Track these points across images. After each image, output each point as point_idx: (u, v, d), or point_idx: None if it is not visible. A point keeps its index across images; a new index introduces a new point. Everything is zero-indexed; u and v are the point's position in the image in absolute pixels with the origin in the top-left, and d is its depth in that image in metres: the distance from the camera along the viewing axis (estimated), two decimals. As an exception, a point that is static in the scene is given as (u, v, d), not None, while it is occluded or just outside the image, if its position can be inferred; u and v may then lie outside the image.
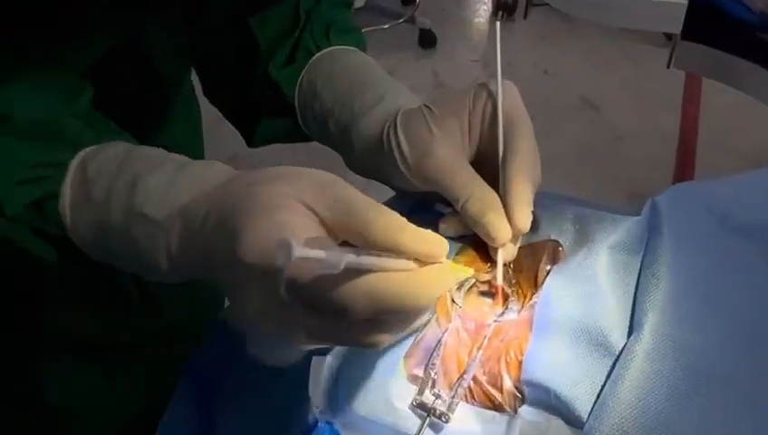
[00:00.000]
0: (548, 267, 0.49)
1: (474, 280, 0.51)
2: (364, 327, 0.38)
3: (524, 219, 0.48)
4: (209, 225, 0.40)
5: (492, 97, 0.51)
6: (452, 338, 0.49)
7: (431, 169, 0.51)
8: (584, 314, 0.45)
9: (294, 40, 0.65)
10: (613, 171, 2.09)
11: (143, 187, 0.43)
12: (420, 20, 2.52)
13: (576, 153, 2.16)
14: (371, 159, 0.55)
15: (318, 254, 0.33)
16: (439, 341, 0.49)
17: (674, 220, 0.47)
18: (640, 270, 0.47)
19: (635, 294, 0.46)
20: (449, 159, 0.51)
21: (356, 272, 0.35)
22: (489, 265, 0.52)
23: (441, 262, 0.39)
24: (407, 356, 0.48)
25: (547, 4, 2.58)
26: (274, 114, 0.67)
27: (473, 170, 0.51)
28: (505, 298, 0.50)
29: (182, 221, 0.42)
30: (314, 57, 0.64)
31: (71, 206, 0.45)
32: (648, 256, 0.47)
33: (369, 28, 2.40)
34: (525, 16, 2.68)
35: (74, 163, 0.46)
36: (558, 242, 0.50)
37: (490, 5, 2.75)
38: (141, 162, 0.45)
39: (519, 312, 0.48)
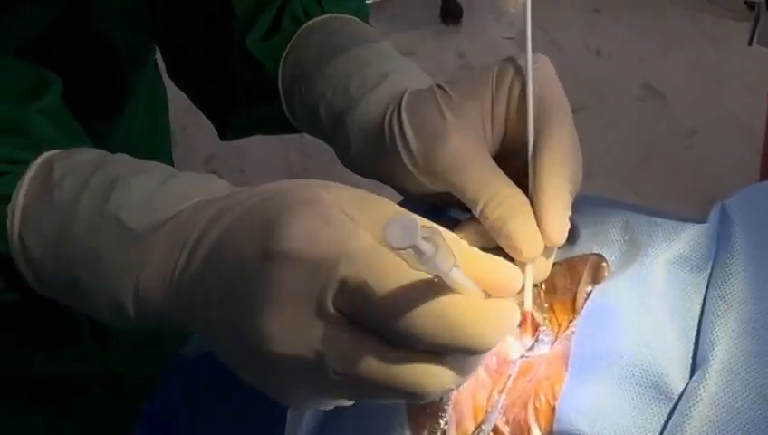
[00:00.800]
0: (588, 288, 0.48)
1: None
2: (425, 362, 0.36)
3: (559, 227, 0.47)
4: (215, 232, 0.40)
5: (520, 75, 0.51)
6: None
7: (442, 163, 0.50)
8: (634, 348, 0.44)
9: (278, 5, 0.64)
10: (683, 174, 2.07)
11: (124, 186, 0.43)
12: (442, -11, 2.53)
13: (637, 151, 2.15)
14: (370, 153, 0.55)
15: (430, 248, 0.31)
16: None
17: (749, 230, 0.46)
18: (706, 292, 0.45)
19: (699, 322, 0.44)
20: (465, 152, 0.50)
21: (432, 289, 0.35)
22: (516, 286, 0.51)
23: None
24: None
25: None
26: (253, 98, 0.67)
27: (495, 166, 0.50)
28: (535, 328, 0.49)
29: (171, 233, 0.41)
30: (303, 27, 0.63)
31: (23, 208, 0.45)
32: (716, 274, 0.45)
33: (380, -1, 2.41)
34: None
35: (37, 163, 0.46)
36: (602, 256, 0.49)
37: (529, -30, 2.73)
38: (124, 166, 0.46)
39: (552, 345, 0.47)
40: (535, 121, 0.50)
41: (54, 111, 0.52)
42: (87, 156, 0.47)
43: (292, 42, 0.63)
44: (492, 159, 0.50)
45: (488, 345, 0.35)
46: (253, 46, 0.64)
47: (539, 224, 0.47)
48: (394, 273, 0.35)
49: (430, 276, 0.34)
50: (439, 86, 0.52)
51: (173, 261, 0.41)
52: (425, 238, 0.31)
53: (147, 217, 0.43)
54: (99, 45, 0.64)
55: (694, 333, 0.44)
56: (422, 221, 0.31)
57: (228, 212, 0.40)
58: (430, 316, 0.34)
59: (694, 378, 0.42)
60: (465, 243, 0.39)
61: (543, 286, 0.50)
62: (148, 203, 0.43)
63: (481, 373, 0.48)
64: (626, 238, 0.49)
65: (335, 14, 0.64)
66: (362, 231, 0.37)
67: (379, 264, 0.35)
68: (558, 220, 0.47)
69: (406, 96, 0.52)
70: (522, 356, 0.48)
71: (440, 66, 2.30)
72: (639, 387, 0.43)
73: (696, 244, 0.47)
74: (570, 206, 0.48)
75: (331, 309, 0.36)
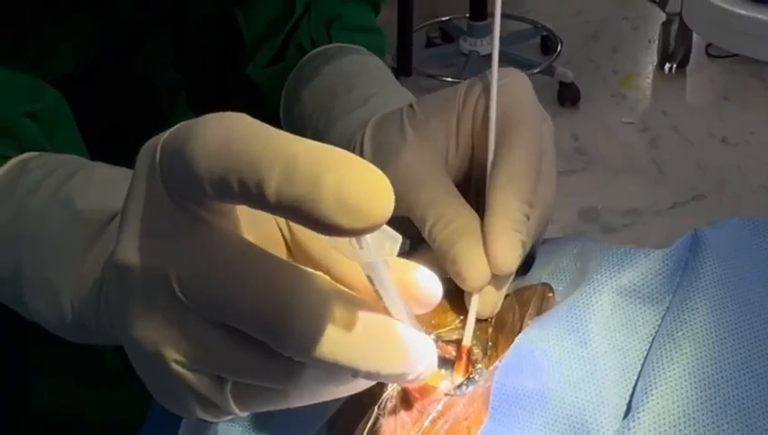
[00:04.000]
0: (531, 321, 0.41)
1: (435, 338, 0.44)
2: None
3: (504, 252, 0.40)
4: None
5: (488, 92, 0.46)
6: (387, 416, 0.42)
7: (392, 179, 0.46)
8: (562, 389, 0.37)
9: (285, 34, 0.63)
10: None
11: (86, 173, 0.42)
12: (561, 71, 2.47)
13: None
14: None
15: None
16: (368, 418, 0.42)
17: (723, 261, 0.38)
18: (659, 327, 0.38)
19: (644, 361, 0.37)
20: (417, 170, 0.45)
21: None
22: (461, 318, 0.44)
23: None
24: (331, 426, 0.42)
25: (731, 55, 2.51)
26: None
27: (450, 185, 0.45)
28: (471, 365, 0.42)
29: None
30: (306, 56, 0.61)
31: None
32: (672, 307, 0.38)
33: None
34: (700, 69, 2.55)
35: (15, 159, 0.45)
36: (548, 286, 0.42)
37: (654, 56, 2.63)
38: (99, 168, 0.44)
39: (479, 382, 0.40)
40: (496, 139, 0.44)
41: (48, 119, 0.51)
42: (67, 156, 0.46)
43: (294, 70, 0.60)
44: (447, 179, 0.45)
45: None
46: (255, 73, 0.62)
47: (486, 249, 0.41)
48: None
49: None
50: (411, 106, 0.47)
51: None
52: None
53: (99, 204, 0.40)
54: (139, 84, 0.64)
55: (635, 375, 0.37)
56: None
57: None
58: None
59: (618, 427, 0.34)
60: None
61: (493, 322, 0.44)
62: (106, 190, 0.41)
63: (402, 414, 0.42)
64: (577, 266, 0.42)
65: (341, 44, 0.62)
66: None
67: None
68: (504, 245, 0.40)
69: (375, 117, 0.49)
70: (447, 394, 0.41)
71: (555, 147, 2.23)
72: (566, 431, 0.36)
73: (652, 272, 0.39)
74: (523, 229, 0.41)
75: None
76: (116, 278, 0.32)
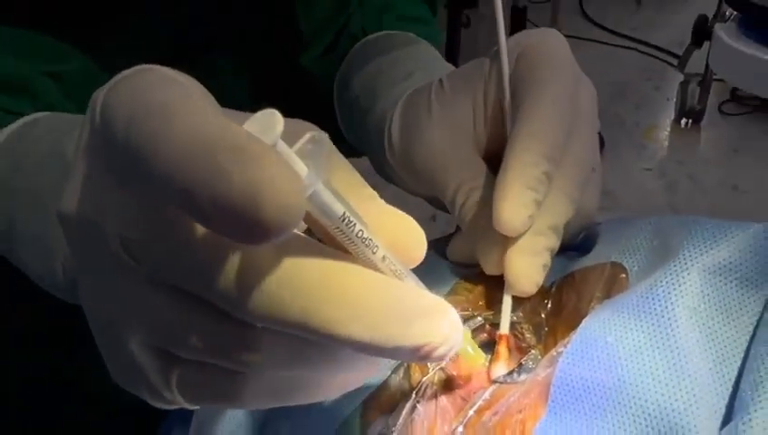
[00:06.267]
0: (599, 306, 0.31)
1: (480, 321, 0.34)
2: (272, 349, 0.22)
3: (511, 210, 0.32)
4: None
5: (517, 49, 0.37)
6: (426, 402, 0.32)
7: (418, 159, 0.38)
8: (641, 382, 0.27)
9: (340, 26, 0.55)
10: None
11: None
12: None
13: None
14: (378, 155, 0.44)
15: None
16: (405, 404, 0.32)
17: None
18: (761, 315, 0.27)
19: (746, 354, 0.26)
20: (443, 149, 0.38)
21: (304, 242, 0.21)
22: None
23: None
24: (365, 412, 0.33)
25: (742, 113, 2.44)
26: (310, 117, 0.57)
27: (476, 162, 0.38)
28: (519, 352, 0.33)
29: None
30: (358, 44, 0.53)
31: None
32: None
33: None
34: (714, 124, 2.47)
35: (27, 118, 0.39)
36: (620, 265, 0.32)
37: (672, 111, 2.55)
38: None
39: (533, 371, 0.31)
40: (522, 97, 0.35)
41: (72, 82, 0.44)
42: (78, 116, 0.39)
43: (346, 58, 0.53)
44: (474, 156, 0.38)
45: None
46: (308, 63, 0.55)
47: (493, 206, 0.33)
48: None
49: None
50: (441, 80, 0.40)
51: None
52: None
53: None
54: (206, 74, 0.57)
55: (735, 370, 0.26)
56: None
57: None
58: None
59: (726, 429, 0.24)
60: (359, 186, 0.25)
61: (549, 305, 0.34)
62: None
63: (443, 401, 0.32)
64: (654, 244, 0.32)
65: (392, 31, 0.53)
66: None
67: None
68: (511, 202, 0.32)
69: (407, 93, 0.42)
70: (495, 382, 0.31)
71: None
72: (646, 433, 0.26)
73: (751, 250, 0.29)
74: (539, 187, 0.32)
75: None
76: (64, 235, 0.25)
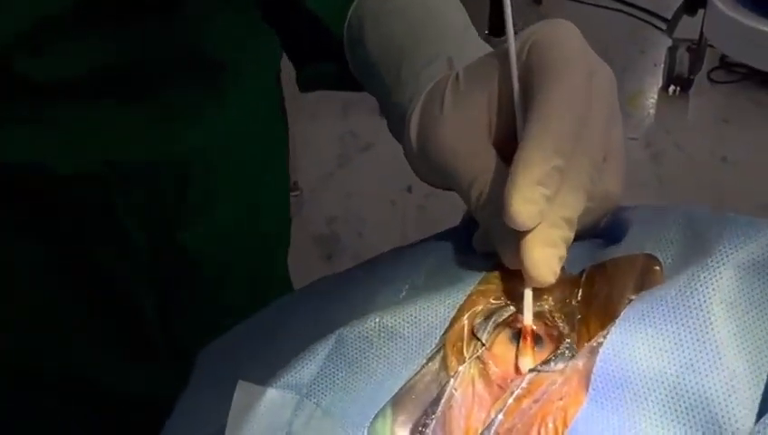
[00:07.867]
0: (633, 298, 0.33)
1: (512, 310, 0.36)
2: None
3: (518, 206, 0.33)
4: None
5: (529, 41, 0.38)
6: (463, 390, 0.33)
7: (432, 154, 0.40)
8: (681, 372, 0.28)
9: None
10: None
11: None
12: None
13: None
14: (401, 138, 0.45)
15: None
16: (442, 391, 0.33)
17: None
18: None
19: None
20: (456, 146, 0.39)
21: None
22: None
23: None
24: (396, 404, 0.34)
25: (732, 81, 2.44)
26: (317, 57, 0.58)
27: (490, 158, 0.38)
28: (557, 342, 0.34)
29: None
30: None
31: None
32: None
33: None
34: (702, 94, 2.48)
35: None
36: (654, 257, 0.33)
37: (660, 78, 2.54)
38: None
39: (571, 360, 0.32)
40: (535, 89, 0.36)
41: None
42: None
43: (355, 3, 0.53)
44: (488, 151, 0.39)
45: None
46: (313, 4, 0.55)
47: (504, 202, 0.34)
48: None
49: None
50: (458, 74, 0.41)
51: None
52: None
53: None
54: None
55: (767, 365, 0.28)
56: None
57: None
58: None
59: (761, 422, 0.26)
60: None
61: (580, 295, 0.36)
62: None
63: (479, 387, 0.33)
64: (688, 235, 0.33)
65: None
66: None
67: None
68: (518, 198, 0.33)
69: (427, 88, 0.42)
70: (532, 370, 0.33)
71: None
72: (683, 425, 0.28)
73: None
74: (550, 182, 0.33)
75: None
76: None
